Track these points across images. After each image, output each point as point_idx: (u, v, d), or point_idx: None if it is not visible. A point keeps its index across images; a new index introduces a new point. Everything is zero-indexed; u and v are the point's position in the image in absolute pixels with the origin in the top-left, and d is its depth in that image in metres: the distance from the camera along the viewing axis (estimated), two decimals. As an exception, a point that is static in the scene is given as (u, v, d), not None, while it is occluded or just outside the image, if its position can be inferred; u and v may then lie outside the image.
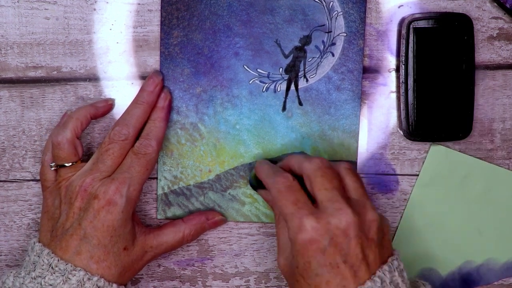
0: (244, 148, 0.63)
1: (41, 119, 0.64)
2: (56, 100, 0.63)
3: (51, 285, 0.54)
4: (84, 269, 0.55)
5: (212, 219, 0.63)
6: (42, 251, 0.56)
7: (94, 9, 0.62)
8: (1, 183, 0.65)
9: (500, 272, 0.65)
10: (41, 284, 0.55)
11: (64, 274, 0.54)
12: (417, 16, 0.61)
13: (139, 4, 0.62)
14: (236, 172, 0.64)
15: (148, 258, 0.60)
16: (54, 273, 0.55)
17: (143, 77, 0.63)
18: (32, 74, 0.63)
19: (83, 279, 0.54)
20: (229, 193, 0.64)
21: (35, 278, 0.55)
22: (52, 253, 0.56)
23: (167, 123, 0.62)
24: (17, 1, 0.62)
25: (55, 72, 0.63)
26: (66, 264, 0.55)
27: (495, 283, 0.66)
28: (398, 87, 0.63)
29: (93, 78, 0.63)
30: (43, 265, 0.55)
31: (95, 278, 0.55)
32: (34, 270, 0.55)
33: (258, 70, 0.63)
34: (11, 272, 0.57)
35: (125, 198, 0.56)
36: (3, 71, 0.63)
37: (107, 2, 0.62)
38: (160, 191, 0.64)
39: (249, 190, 0.64)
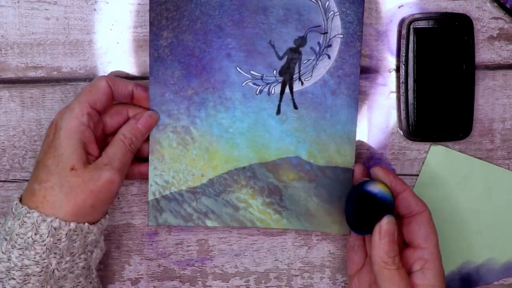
0: (238, 152, 0.62)
1: (41, 119, 0.64)
2: (56, 100, 0.63)
3: (9, 228, 0.55)
4: (38, 211, 0.54)
5: (140, 118, 0.60)
6: (14, 200, 0.57)
7: (94, 9, 0.62)
8: (1, 183, 0.65)
9: (500, 272, 0.65)
10: (5, 230, 0.55)
11: (20, 218, 0.55)
12: (417, 16, 0.61)
13: (139, 4, 0.62)
14: (230, 176, 0.62)
15: (106, 177, 0.56)
16: (14, 218, 0.55)
17: (143, 77, 0.63)
18: (32, 74, 0.63)
19: (37, 221, 0.54)
20: (222, 198, 0.62)
21: (2, 226, 0.56)
22: (20, 201, 0.56)
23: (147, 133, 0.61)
24: (17, 1, 0.62)
25: (55, 72, 0.63)
26: (22, 207, 0.55)
27: (495, 283, 0.66)
28: (398, 87, 0.63)
29: (93, 78, 0.63)
30: (11, 214, 0.56)
31: (49, 219, 0.54)
32: (5, 221, 0.56)
33: (251, 72, 0.61)
34: None
35: (66, 121, 0.56)
36: (3, 71, 0.63)
37: (107, 2, 0.62)
38: (151, 197, 0.62)
39: (242, 195, 0.62)
